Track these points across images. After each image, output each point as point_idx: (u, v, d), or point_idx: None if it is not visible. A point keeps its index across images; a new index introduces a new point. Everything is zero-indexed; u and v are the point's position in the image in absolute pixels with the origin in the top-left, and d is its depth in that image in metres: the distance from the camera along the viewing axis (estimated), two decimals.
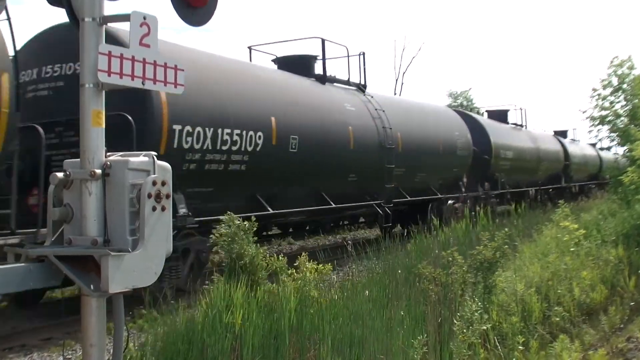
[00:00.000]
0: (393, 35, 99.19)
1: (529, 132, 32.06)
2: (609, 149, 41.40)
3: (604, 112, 25.61)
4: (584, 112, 26.33)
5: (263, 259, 7.66)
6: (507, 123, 30.66)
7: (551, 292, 9.35)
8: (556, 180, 33.82)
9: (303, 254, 7.80)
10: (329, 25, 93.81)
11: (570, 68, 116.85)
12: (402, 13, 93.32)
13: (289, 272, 7.62)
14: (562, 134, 41.24)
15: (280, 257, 7.65)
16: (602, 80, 25.69)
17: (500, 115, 30.94)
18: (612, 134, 26.11)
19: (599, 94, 25.89)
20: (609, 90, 25.54)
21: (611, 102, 25.50)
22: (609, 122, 25.34)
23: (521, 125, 31.84)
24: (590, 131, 29.31)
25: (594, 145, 45.30)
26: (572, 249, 11.53)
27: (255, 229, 7.89)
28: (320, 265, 7.77)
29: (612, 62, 25.18)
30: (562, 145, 35.94)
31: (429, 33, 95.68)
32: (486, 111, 33.30)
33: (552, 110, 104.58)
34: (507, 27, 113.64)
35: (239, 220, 7.74)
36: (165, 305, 7.19)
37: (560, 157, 34.60)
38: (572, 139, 42.84)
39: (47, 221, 3.77)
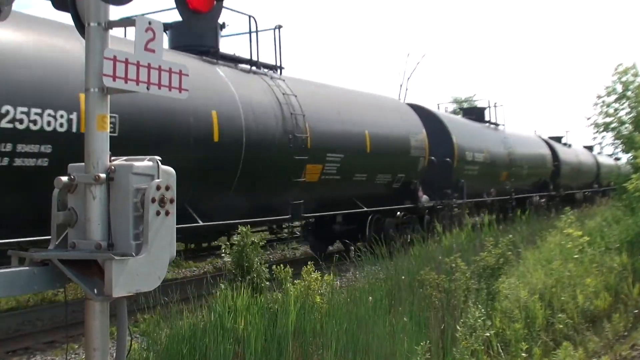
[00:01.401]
0: (398, 40, 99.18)
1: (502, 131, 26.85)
2: (611, 155, 39.98)
3: (608, 119, 25.61)
4: (588, 119, 26.29)
5: (266, 267, 7.76)
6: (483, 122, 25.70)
7: (555, 299, 9.34)
8: (543, 188, 29.63)
9: (309, 263, 7.81)
10: (333, 29, 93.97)
11: (571, 73, 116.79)
12: (407, 19, 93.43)
13: (294, 281, 7.63)
14: (557, 140, 36.32)
15: (286, 268, 7.66)
16: (607, 87, 25.70)
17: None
18: (616, 141, 26.09)
19: (603, 101, 25.89)
20: (613, 97, 25.54)
21: (615, 109, 25.49)
22: (613, 129, 25.33)
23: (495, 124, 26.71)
24: (594, 138, 29.00)
25: (590, 148, 41.90)
26: (575, 256, 11.51)
27: (263, 243, 8.04)
28: (325, 276, 7.80)
29: (616, 69, 25.17)
30: (551, 148, 31.39)
31: (433, 39, 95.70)
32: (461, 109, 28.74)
33: (549, 114, 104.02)
34: (511, 34, 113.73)
35: (254, 237, 7.88)
36: (168, 309, 7.20)
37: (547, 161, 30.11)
38: (564, 143, 37.78)
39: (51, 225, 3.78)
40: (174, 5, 3.99)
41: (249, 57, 13.48)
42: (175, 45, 12.67)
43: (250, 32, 13.50)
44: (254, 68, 13.44)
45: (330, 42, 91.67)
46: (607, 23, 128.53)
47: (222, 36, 13.34)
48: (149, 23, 3.72)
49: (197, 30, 11.53)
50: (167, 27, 12.53)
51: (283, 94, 13.04)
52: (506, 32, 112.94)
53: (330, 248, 17.77)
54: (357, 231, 15.69)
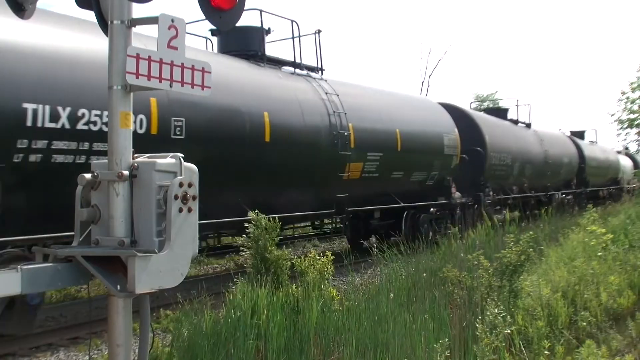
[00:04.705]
0: (419, 38, 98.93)
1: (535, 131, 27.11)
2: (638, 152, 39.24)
3: (632, 115, 25.38)
4: (612, 115, 26.07)
5: (287, 261, 7.73)
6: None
7: (578, 297, 9.25)
8: (568, 186, 29.67)
9: (312, 250, 7.86)
10: (354, 26, 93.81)
11: (596, 70, 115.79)
12: (428, 16, 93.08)
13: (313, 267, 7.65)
14: (579, 135, 35.37)
15: (305, 260, 7.66)
16: (631, 84, 25.47)
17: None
18: None
19: (627, 97, 25.65)
20: (637, 93, 25.30)
21: None
22: (638, 125, 25.10)
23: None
24: (618, 134, 28.74)
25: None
26: (599, 254, 11.40)
27: (278, 229, 7.94)
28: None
29: None
30: (577, 146, 31.16)
31: (454, 36, 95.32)
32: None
33: (575, 111, 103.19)
34: (533, 30, 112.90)
35: (265, 220, 7.80)
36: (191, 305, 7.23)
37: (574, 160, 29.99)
38: (590, 141, 36.92)
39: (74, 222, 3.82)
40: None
41: (292, 60, 14.04)
42: (223, 50, 13.26)
43: (293, 37, 14.06)
44: (297, 70, 14.09)
45: (350, 40, 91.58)
46: (630, 19, 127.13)
47: (268, 42, 13.72)
48: (172, 20, 3.73)
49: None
50: (215, 32, 13.43)
51: (326, 93, 13.62)
52: (528, 28, 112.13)
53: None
54: (394, 226, 16.03)
